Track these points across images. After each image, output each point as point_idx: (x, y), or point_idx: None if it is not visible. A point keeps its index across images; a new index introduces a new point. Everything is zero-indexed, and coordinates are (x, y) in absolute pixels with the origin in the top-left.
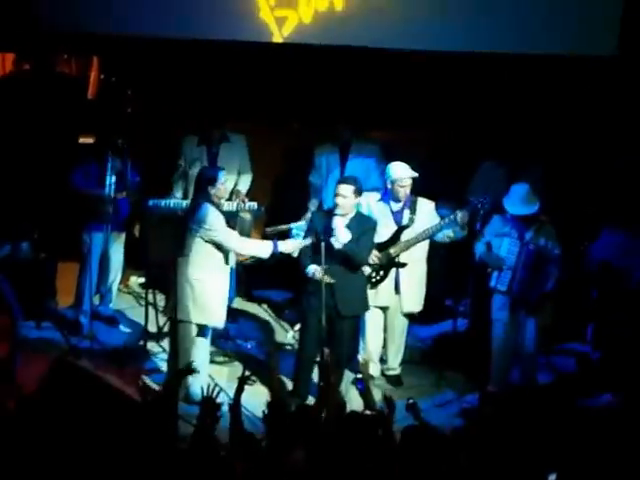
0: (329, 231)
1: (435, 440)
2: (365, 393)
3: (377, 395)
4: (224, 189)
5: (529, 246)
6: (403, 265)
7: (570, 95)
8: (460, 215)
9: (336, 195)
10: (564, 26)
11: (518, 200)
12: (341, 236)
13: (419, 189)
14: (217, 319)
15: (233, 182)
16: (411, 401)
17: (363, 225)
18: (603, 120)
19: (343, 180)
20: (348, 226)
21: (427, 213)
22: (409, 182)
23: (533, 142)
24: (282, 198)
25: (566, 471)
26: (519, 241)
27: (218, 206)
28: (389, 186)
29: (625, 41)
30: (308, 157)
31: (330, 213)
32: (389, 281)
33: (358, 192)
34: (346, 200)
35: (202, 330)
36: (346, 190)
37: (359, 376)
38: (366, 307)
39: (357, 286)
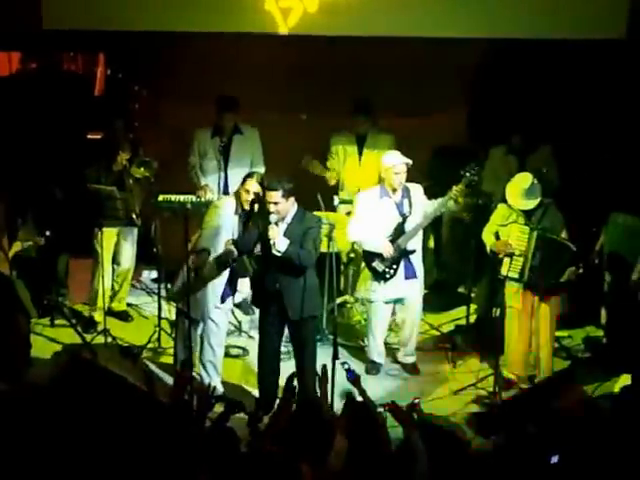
0: (266, 240)
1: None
2: (356, 382)
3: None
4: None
5: (537, 231)
6: (412, 252)
7: (579, 78)
8: (454, 189)
9: (267, 203)
10: (573, 10)
11: (521, 194)
12: (278, 245)
13: (434, 177)
14: (198, 313)
15: (244, 175)
16: (417, 401)
17: (305, 224)
18: (611, 103)
19: (269, 187)
20: (288, 229)
21: (420, 197)
22: (404, 169)
23: (542, 125)
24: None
25: (569, 453)
26: (527, 227)
27: None
28: (383, 175)
29: (633, 25)
30: (318, 148)
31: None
32: (400, 272)
33: (288, 193)
34: (278, 206)
35: (192, 322)
36: (275, 197)
37: (346, 367)
38: (317, 308)
39: (306, 288)
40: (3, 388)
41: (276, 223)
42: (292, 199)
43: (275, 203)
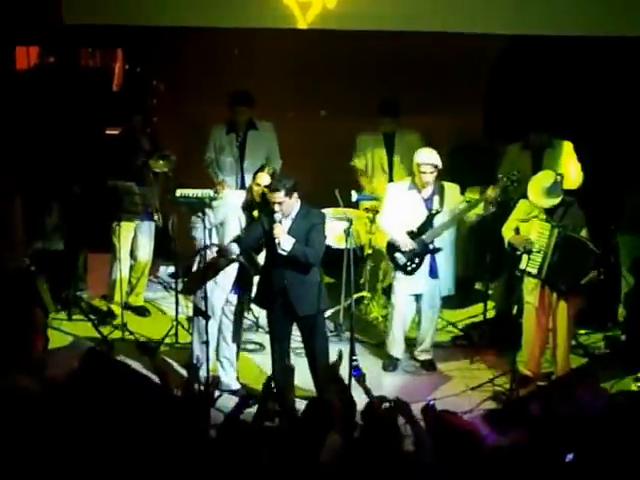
0: (271, 239)
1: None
2: (362, 380)
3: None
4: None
5: (557, 228)
6: (438, 250)
7: (599, 74)
8: (489, 192)
9: (272, 204)
10: (597, 8)
11: (542, 192)
12: (283, 244)
13: (451, 175)
14: (209, 308)
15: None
16: (432, 402)
17: (309, 221)
18: (631, 100)
19: (271, 188)
20: (293, 226)
21: (454, 196)
22: (430, 169)
23: (560, 121)
24: (310, 185)
25: (584, 452)
26: (548, 224)
27: None
28: (414, 170)
29: None
30: (335, 143)
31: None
32: (424, 268)
33: (290, 191)
34: (282, 206)
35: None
36: (278, 197)
37: (354, 364)
38: (324, 303)
39: (312, 284)
40: (24, 382)
41: (280, 221)
42: (295, 195)
43: (279, 203)
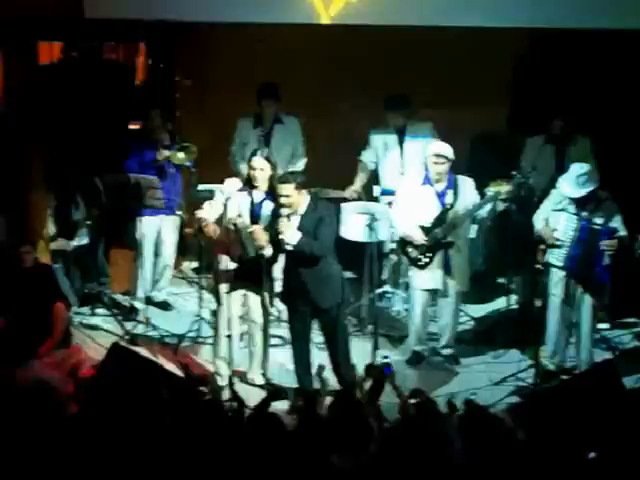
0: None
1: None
2: (391, 378)
3: (431, 375)
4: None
5: (586, 222)
6: (451, 245)
7: (622, 68)
8: (500, 188)
9: (279, 196)
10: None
11: (573, 181)
12: (289, 238)
13: (471, 167)
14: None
15: (285, 164)
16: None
17: (318, 214)
18: None
19: (281, 180)
20: (302, 221)
21: (469, 190)
22: (442, 160)
23: (582, 116)
24: (333, 179)
25: (606, 450)
26: (576, 217)
27: None
28: (426, 162)
29: None
30: (357, 138)
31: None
32: (438, 262)
33: (300, 186)
34: (290, 199)
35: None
36: (287, 189)
37: (385, 360)
38: (346, 294)
39: (329, 277)
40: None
41: (288, 216)
42: (304, 192)
43: (287, 196)
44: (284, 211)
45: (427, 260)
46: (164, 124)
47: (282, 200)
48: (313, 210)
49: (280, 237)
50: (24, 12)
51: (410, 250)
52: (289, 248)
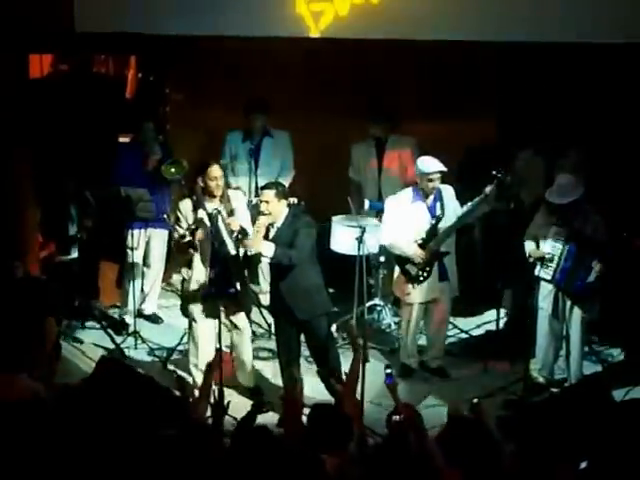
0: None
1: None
2: (393, 389)
3: (421, 388)
4: (214, 185)
5: (575, 236)
6: (446, 254)
7: (611, 80)
8: (488, 190)
9: (260, 202)
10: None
11: (559, 189)
12: (265, 251)
13: (457, 182)
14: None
15: (274, 178)
16: (475, 401)
17: (295, 226)
18: None
19: (264, 186)
20: (278, 232)
21: (451, 198)
22: (438, 176)
23: (572, 129)
24: (321, 193)
25: (597, 460)
26: (565, 230)
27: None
28: (418, 180)
29: None
30: (346, 152)
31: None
32: (434, 273)
33: (281, 194)
34: (269, 205)
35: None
36: (267, 195)
37: (388, 371)
38: (326, 305)
39: (309, 286)
40: (38, 388)
41: (269, 225)
42: (284, 202)
43: (266, 202)
44: (263, 219)
45: (426, 274)
46: (155, 137)
47: (262, 206)
48: (290, 223)
49: (254, 251)
50: (14, 24)
51: (409, 268)
52: (266, 260)
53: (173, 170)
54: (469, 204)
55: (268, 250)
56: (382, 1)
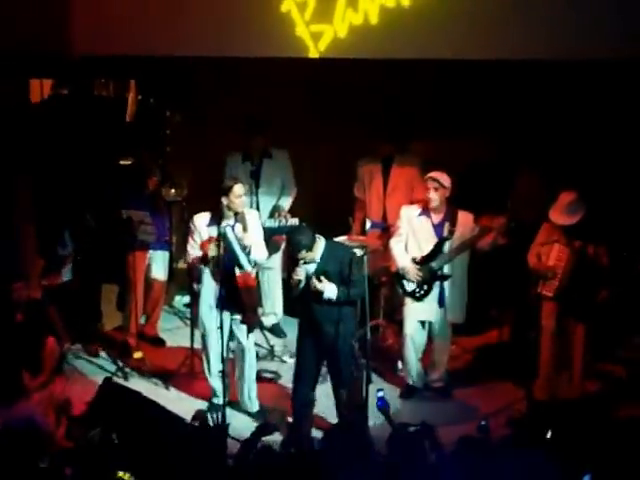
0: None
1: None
2: (385, 411)
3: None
4: (239, 202)
5: (577, 253)
6: (447, 277)
7: (614, 100)
8: (497, 223)
9: (300, 259)
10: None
11: (562, 209)
12: (327, 293)
13: (460, 201)
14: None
15: (275, 198)
16: (483, 423)
17: (337, 259)
18: None
19: (293, 250)
20: (320, 268)
21: (467, 224)
22: (434, 185)
23: (573, 149)
24: (322, 213)
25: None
26: (568, 248)
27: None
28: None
29: None
30: (348, 171)
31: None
32: (433, 294)
33: (311, 245)
34: (310, 254)
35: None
36: (302, 255)
37: (380, 394)
38: (353, 333)
39: (343, 316)
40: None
41: (309, 261)
42: (318, 241)
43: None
44: (310, 267)
45: (422, 292)
46: (155, 159)
47: (307, 259)
48: (330, 255)
49: (318, 293)
50: (15, 49)
51: (405, 283)
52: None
53: (173, 192)
54: (477, 231)
55: (331, 292)
56: (381, 22)
